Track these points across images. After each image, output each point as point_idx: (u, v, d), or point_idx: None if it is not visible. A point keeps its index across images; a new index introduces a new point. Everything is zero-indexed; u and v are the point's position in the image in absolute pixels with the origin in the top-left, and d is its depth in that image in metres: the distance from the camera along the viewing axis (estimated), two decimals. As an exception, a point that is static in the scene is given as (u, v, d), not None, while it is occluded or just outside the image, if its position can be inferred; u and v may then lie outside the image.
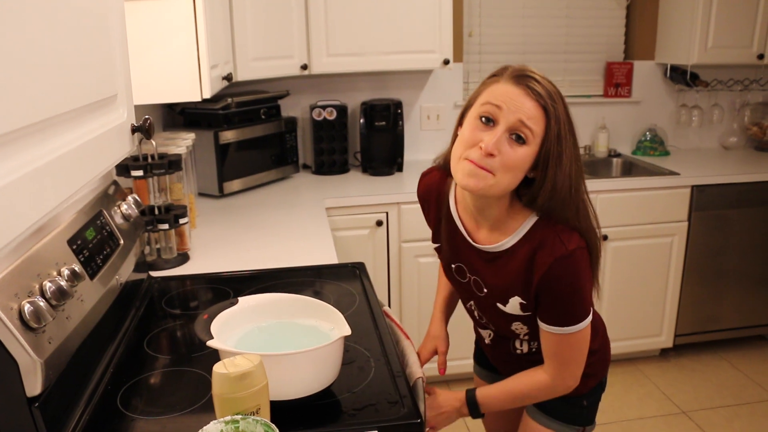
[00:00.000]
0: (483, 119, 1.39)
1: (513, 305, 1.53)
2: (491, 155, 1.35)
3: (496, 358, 1.81)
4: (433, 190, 1.68)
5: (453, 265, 1.66)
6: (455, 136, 1.51)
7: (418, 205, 3.02)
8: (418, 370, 1.48)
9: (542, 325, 1.52)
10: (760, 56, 3.67)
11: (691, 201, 3.40)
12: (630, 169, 3.84)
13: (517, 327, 1.61)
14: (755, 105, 4.12)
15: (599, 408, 1.78)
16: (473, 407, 1.63)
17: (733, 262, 3.58)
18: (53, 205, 0.81)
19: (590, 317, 1.50)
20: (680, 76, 3.94)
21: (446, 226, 1.64)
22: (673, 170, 3.48)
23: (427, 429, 1.54)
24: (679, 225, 3.42)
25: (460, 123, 1.50)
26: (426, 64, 3.31)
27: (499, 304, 1.57)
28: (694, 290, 3.57)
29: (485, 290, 1.59)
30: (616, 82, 3.97)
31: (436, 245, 1.73)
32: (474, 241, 1.57)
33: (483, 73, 3.82)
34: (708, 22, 3.58)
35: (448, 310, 1.94)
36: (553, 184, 1.39)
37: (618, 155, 3.97)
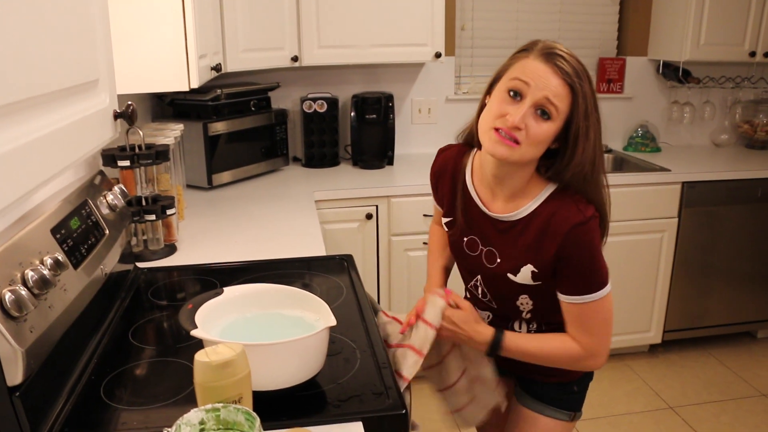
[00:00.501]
0: (511, 93, 1.44)
1: (524, 274, 1.56)
2: (517, 128, 1.41)
3: None
4: (450, 162, 1.72)
5: (465, 238, 1.68)
6: (482, 105, 1.56)
7: (409, 199, 3.04)
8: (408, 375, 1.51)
9: (564, 298, 1.54)
10: (752, 54, 3.68)
11: (682, 197, 3.40)
12: (621, 164, 3.84)
13: (523, 302, 1.63)
14: (746, 103, 4.13)
15: (587, 402, 1.81)
16: (495, 347, 1.61)
17: (722, 258, 3.59)
18: (30, 187, 0.80)
19: (609, 287, 1.54)
20: (672, 73, 3.94)
21: (461, 199, 1.67)
22: (664, 166, 3.48)
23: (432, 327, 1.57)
24: (669, 221, 3.42)
25: (488, 92, 1.54)
26: (418, 57, 3.30)
27: (509, 275, 1.58)
28: (683, 286, 3.58)
29: (498, 260, 1.60)
30: (609, 77, 3.97)
31: (448, 219, 1.74)
32: (490, 211, 1.61)
33: (475, 67, 3.82)
34: (701, 19, 3.58)
35: (446, 273, 1.91)
36: (581, 158, 1.45)
37: (609, 151, 3.97)
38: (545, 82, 1.40)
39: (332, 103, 3.45)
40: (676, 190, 3.39)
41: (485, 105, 1.53)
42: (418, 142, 3.82)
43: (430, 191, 1.82)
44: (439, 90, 3.78)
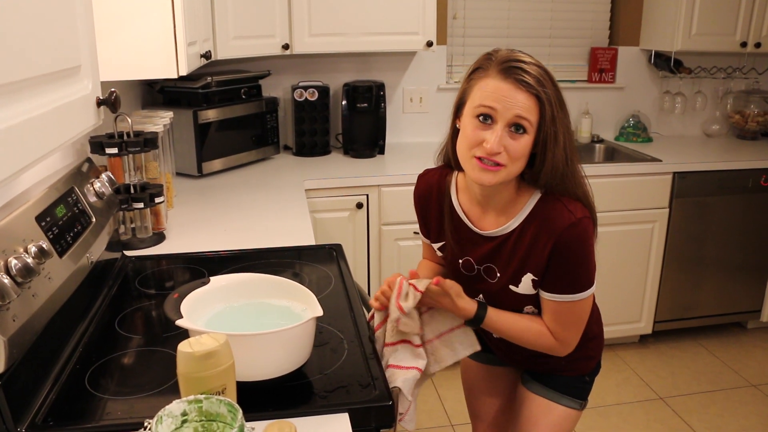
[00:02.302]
0: (480, 118, 1.43)
1: (526, 284, 1.56)
2: (497, 153, 1.41)
3: (500, 347, 1.81)
4: (434, 187, 1.69)
5: (460, 260, 1.66)
6: (453, 128, 1.56)
7: (399, 188, 3.03)
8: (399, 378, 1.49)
9: (545, 294, 1.55)
10: (743, 44, 3.67)
11: (673, 188, 3.40)
12: (612, 155, 3.83)
13: (528, 311, 1.63)
14: (738, 93, 4.13)
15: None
16: (478, 319, 1.60)
17: (712, 249, 3.59)
18: (9, 173, 0.78)
19: (594, 287, 1.54)
20: (664, 63, 3.93)
21: (450, 221, 1.65)
22: (655, 157, 3.48)
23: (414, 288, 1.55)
24: (660, 212, 3.42)
25: (456, 116, 1.54)
26: (409, 45, 3.28)
27: (511, 287, 1.58)
28: (674, 277, 3.58)
29: (498, 275, 1.60)
30: (601, 67, 3.96)
31: (440, 244, 1.72)
32: (480, 229, 1.59)
33: (467, 56, 3.80)
34: (692, 9, 3.57)
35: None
36: (552, 162, 1.45)
37: (601, 141, 3.96)
38: (512, 101, 1.39)
39: (323, 91, 3.43)
40: (667, 181, 3.39)
41: (457, 128, 1.52)
42: (410, 131, 3.80)
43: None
44: (431, 79, 3.76)
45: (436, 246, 1.74)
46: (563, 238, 1.46)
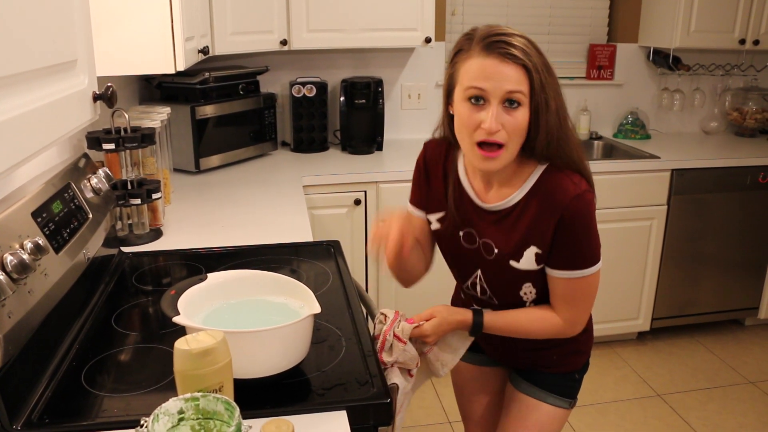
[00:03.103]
0: (472, 100, 1.42)
1: (528, 258, 1.54)
2: (496, 131, 1.40)
3: (492, 341, 1.79)
4: (443, 155, 1.67)
5: (461, 232, 1.64)
6: (446, 112, 1.55)
7: (398, 185, 3.02)
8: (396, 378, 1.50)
9: (553, 272, 1.54)
10: (742, 41, 3.67)
11: (671, 185, 3.39)
12: (611, 151, 3.83)
13: (526, 291, 1.61)
14: (736, 90, 4.12)
15: (575, 390, 1.81)
16: (477, 326, 1.62)
17: (710, 246, 3.59)
18: (4, 168, 0.78)
19: (600, 263, 1.54)
20: (663, 60, 3.92)
21: (454, 193, 1.64)
22: (653, 154, 3.47)
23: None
24: (658, 209, 3.42)
25: (448, 102, 1.52)
26: (408, 42, 3.28)
27: (512, 262, 1.57)
28: (672, 274, 3.58)
29: (496, 250, 1.58)
30: (599, 64, 3.96)
31: (439, 215, 1.69)
32: (484, 202, 1.59)
33: (465, 52, 3.78)
34: (691, 5, 3.57)
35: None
36: (546, 128, 1.43)
37: (599, 138, 3.96)
38: (499, 77, 1.38)
39: (321, 87, 3.42)
40: (666, 178, 3.38)
41: (451, 114, 1.51)
42: (408, 127, 3.79)
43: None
44: (429, 75, 3.75)
45: (434, 217, 1.70)
46: (569, 210, 1.46)
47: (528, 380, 1.76)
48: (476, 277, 1.68)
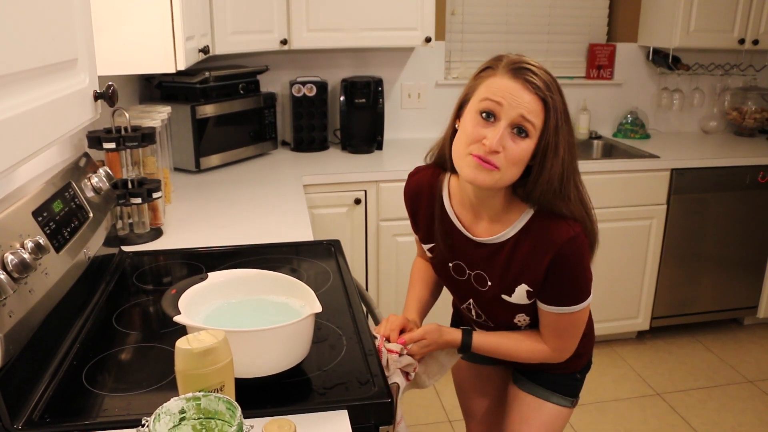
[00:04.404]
0: (483, 114, 1.40)
1: (519, 294, 1.54)
2: (495, 152, 1.37)
3: None
4: (425, 187, 1.65)
5: (450, 264, 1.64)
6: (452, 128, 1.52)
7: (397, 184, 3.01)
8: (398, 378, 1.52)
9: (543, 306, 1.54)
10: (741, 41, 3.67)
11: (671, 184, 3.40)
12: (610, 151, 3.83)
13: (520, 319, 1.62)
14: (735, 90, 4.12)
15: (575, 389, 1.82)
16: (466, 345, 1.64)
17: (709, 245, 3.59)
18: (5, 166, 0.78)
19: (591, 298, 1.53)
20: (662, 59, 3.93)
21: (441, 224, 1.62)
22: (653, 153, 3.47)
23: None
24: (657, 208, 3.42)
25: (457, 116, 1.50)
26: (408, 41, 3.28)
27: (504, 296, 1.57)
28: (671, 273, 3.58)
29: (489, 284, 1.58)
30: (599, 63, 3.96)
31: (429, 246, 1.69)
32: (473, 235, 1.57)
33: (465, 52, 3.79)
34: (690, 5, 3.57)
35: (424, 310, 1.83)
36: (548, 175, 1.40)
37: (599, 137, 3.96)
38: (518, 100, 1.36)
39: (321, 87, 3.42)
40: (665, 177, 3.38)
41: (455, 129, 1.49)
42: (408, 127, 3.79)
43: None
44: (429, 75, 3.75)
45: (426, 247, 1.71)
46: (562, 252, 1.44)
47: (531, 380, 1.77)
48: (470, 304, 1.69)
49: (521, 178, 1.44)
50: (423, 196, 1.66)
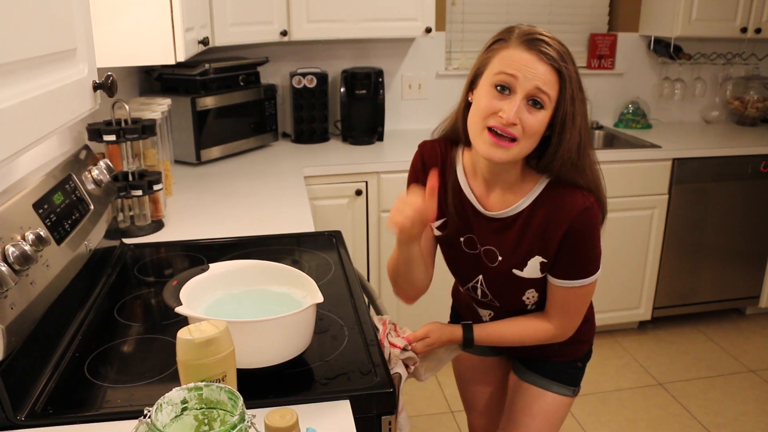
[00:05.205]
0: (498, 88, 1.39)
1: (532, 267, 1.54)
2: (513, 124, 1.37)
3: None
4: (438, 157, 1.63)
5: (462, 238, 1.63)
6: (465, 101, 1.52)
7: (398, 175, 3.01)
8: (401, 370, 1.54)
9: (554, 281, 1.55)
10: (743, 30, 3.66)
11: (672, 174, 3.39)
12: (612, 141, 3.82)
13: (529, 295, 1.62)
14: (737, 79, 4.11)
15: (577, 379, 1.82)
16: (468, 341, 1.65)
17: (711, 235, 3.59)
18: (4, 156, 0.77)
19: (600, 272, 1.54)
20: (664, 49, 3.91)
21: (454, 197, 1.61)
22: (654, 143, 3.47)
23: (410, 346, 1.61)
24: (659, 198, 3.41)
25: (470, 89, 1.49)
26: (408, 32, 3.27)
27: (515, 270, 1.56)
28: (673, 263, 3.58)
29: (499, 258, 1.58)
30: (600, 53, 3.94)
31: (439, 222, 1.66)
32: (485, 208, 1.56)
33: (466, 42, 3.78)
34: (693, -6, 3.56)
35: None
36: (567, 145, 1.41)
37: (600, 127, 3.95)
38: (533, 72, 1.36)
39: (322, 78, 3.42)
40: (667, 167, 3.38)
41: (469, 102, 1.48)
42: (409, 118, 3.79)
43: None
44: (430, 65, 3.74)
45: (435, 224, 1.67)
46: (577, 222, 1.45)
47: (532, 369, 1.77)
48: (477, 282, 1.68)
49: (535, 150, 1.45)
50: (436, 166, 1.61)
